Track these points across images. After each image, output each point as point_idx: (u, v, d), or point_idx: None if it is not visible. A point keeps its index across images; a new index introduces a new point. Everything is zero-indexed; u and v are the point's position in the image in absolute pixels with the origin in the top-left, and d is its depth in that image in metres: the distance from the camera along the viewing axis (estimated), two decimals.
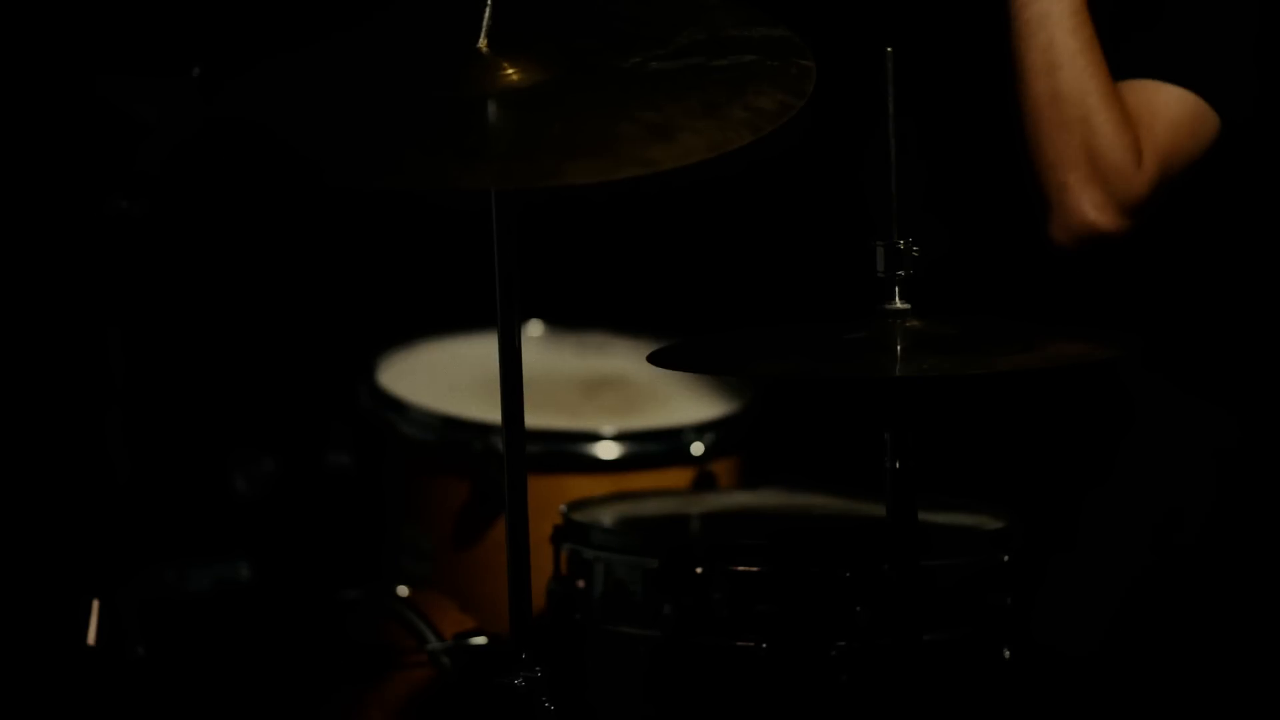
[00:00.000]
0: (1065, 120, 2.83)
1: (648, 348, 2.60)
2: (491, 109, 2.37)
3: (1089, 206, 2.82)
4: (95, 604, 2.93)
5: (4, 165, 4.02)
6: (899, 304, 2.49)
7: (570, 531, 2.94)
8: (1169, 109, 2.88)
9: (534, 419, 3.46)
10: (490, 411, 2.53)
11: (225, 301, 4.42)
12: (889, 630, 2.43)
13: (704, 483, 3.51)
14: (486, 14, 2.39)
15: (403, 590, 3.14)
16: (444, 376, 3.70)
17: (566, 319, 3.96)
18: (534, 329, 3.87)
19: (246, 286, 4.39)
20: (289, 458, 3.70)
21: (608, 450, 3.50)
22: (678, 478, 3.52)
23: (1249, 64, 2.91)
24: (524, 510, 2.47)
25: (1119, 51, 2.87)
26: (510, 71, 2.39)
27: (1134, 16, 2.91)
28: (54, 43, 3.83)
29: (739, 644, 2.76)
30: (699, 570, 2.78)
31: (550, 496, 3.19)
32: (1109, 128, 2.81)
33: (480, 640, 2.98)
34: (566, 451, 3.50)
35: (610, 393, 3.73)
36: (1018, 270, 3.13)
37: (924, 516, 2.61)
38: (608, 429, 3.51)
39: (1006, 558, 2.85)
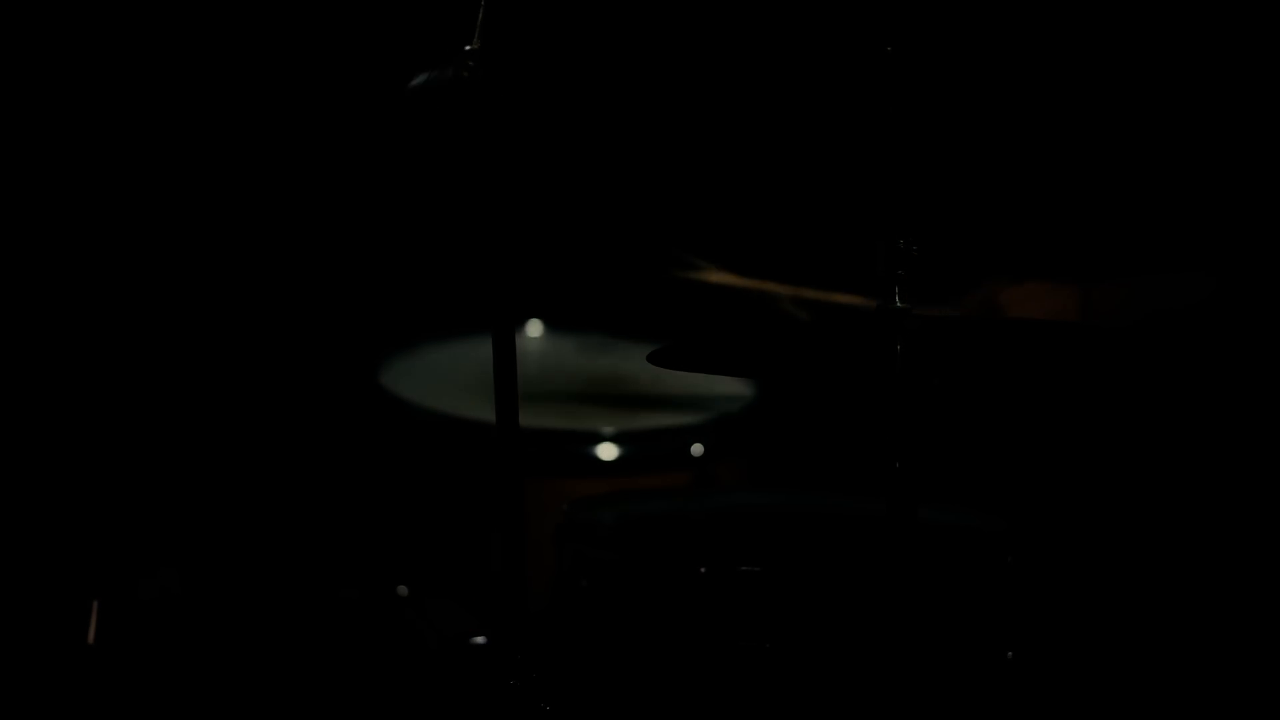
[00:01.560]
0: None
1: (648, 347, 2.59)
2: None
3: None
4: (95, 604, 2.93)
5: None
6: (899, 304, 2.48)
7: (573, 530, 2.93)
8: None
9: (535, 420, 3.47)
10: (491, 413, 2.52)
11: (229, 301, 4.42)
12: (891, 631, 2.42)
13: (705, 483, 3.50)
14: None
15: (402, 590, 3.13)
16: (446, 378, 3.69)
17: (567, 319, 3.95)
18: (534, 329, 3.86)
19: (252, 287, 4.38)
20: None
21: (608, 451, 3.50)
22: (677, 479, 3.52)
23: None
24: (520, 511, 2.46)
25: None
26: None
27: None
28: None
29: (739, 644, 2.76)
30: (701, 570, 2.78)
31: (550, 498, 3.19)
32: None
33: (479, 640, 2.98)
34: (566, 453, 3.49)
35: (611, 393, 3.72)
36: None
37: (925, 517, 2.60)
38: (608, 430, 3.51)
39: (1008, 558, 2.85)
